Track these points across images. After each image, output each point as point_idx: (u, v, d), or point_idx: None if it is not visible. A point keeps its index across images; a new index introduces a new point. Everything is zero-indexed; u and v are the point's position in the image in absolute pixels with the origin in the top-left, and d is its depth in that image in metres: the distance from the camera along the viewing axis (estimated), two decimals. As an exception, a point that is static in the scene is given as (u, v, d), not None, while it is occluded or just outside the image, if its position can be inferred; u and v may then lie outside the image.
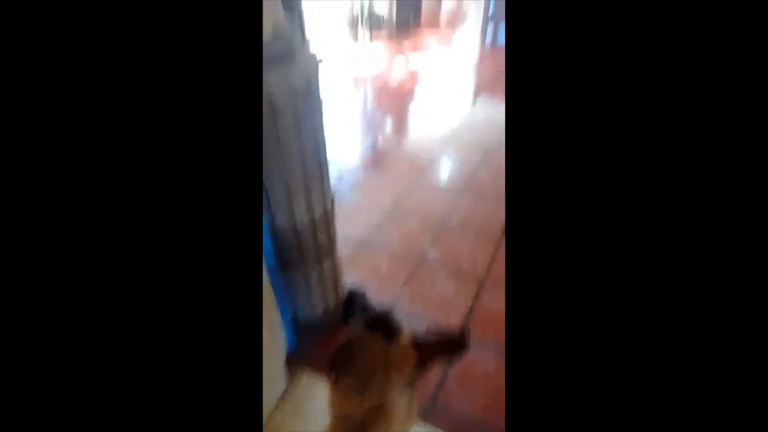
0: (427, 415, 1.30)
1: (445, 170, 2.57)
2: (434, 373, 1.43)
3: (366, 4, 4.55)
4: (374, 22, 4.71)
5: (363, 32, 4.62)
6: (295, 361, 1.11)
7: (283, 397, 1.30)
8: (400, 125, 3.12)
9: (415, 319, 1.63)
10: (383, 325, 0.85)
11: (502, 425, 1.28)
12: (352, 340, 0.79)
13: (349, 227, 2.04)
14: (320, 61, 1.04)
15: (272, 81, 0.94)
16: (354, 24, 4.50)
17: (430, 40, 4.67)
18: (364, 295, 1.26)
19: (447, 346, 0.80)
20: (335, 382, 0.77)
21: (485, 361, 1.47)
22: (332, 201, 1.33)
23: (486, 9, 4.34)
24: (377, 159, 2.65)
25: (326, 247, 1.32)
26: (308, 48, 1.10)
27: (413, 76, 3.81)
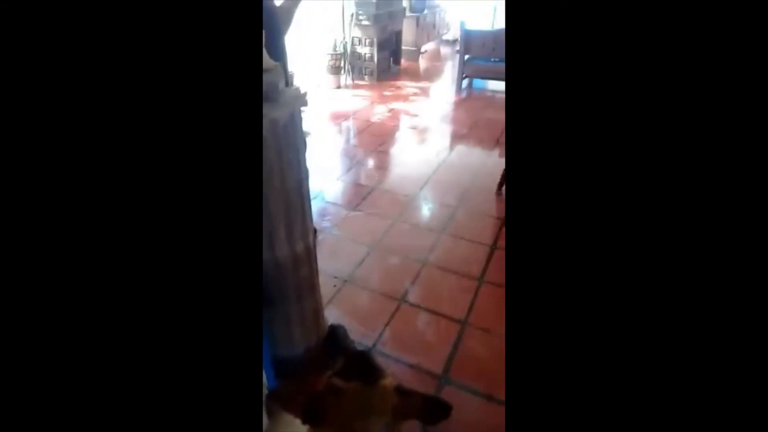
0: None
1: (425, 210, 2.61)
2: (417, 417, 1.37)
3: (348, 50, 4.76)
4: (356, 69, 4.91)
5: (345, 77, 4.80)
6: (275, 401, 1.06)
7: (262, 439, 1.22)
8: (381, 165, 3.17)
9: (397, 360, 1.57)
10: (363, 366, 0.82)
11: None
12: (330, 390, 0.76)
13: (331, 263, 2.01)
14: (304, 94, 1.06)
15: (258, 114, 0.95)
16: (336, 70, 4.68)
17: (409, 89, 4.88)
18: (345, 332, 1.22)
19: (429, 407, 0.79)
20: (315, 427, 0.74)
21: (468, 406, 1.42)
22: (314, 236, 1.32)
23: (461, 60, 4.60)
24: (359, 196, 2.66)
25: (307, 283, 1.28)
26: (292, 84, 1.12)
27: (393, 121, 3.94)
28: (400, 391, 0.77)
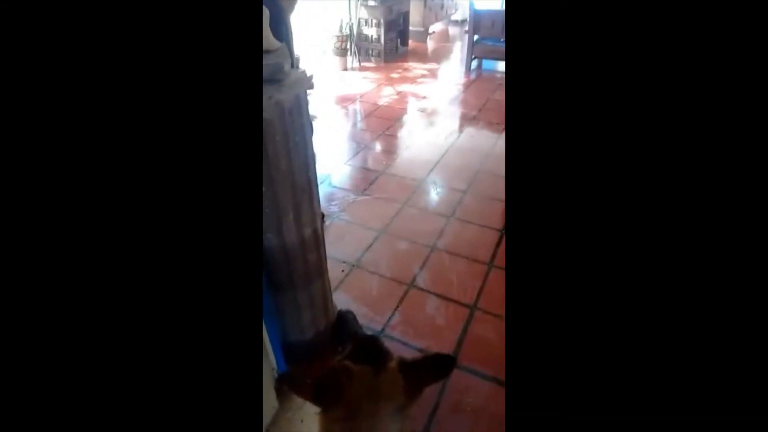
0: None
1: (434, 194, 2.58)
2: (427, 401, 1.37)
3: (354, 31, 4.67)
4: (363, 51, 4.83)
5: (352, 59, 4.73)
6: (285, 385, 1.06)
7: (274, 420, 1.23)
8: (389, 149, 3.14)
9: (406, 344, 1.58)
10: (371, 351, 0.82)
11: (498, 455, 1.22)
12: (339, 373, 0.76)
13: (339, 248, 2.01)
14: (311, 77, 1.04)
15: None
16: (342, 52, 4.60)
17: (417, 70, 4.79)
18: (353, 317, 1.22)
19: (434, 367, 0.78)
20: (324, 412, 0.74)
21: (478, 388, 1.43)
22: (322, 221, 1.30)
23: (470, 41, 4.50)
24: (366, 180, 2.64)
25: (316, 268, 1.28)
26: (297, 66, 1.10)
27: (401, 103, 3.88)
28: (403, 366, 0.77)
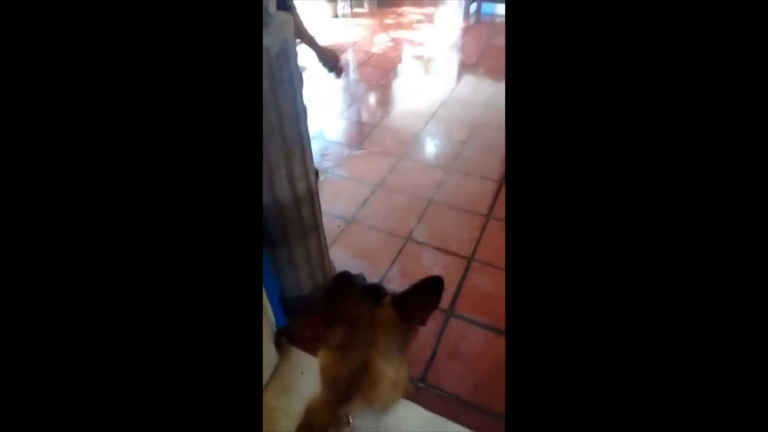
0: (416, 392, 1.28)
1: (431, 147, 2.52)
2: (425, 347, 1.41)
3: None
4: (354, -4, 4.55)
5: (343, 5, 4.47)
6: (284, 339, 1.08)
7: (274, 373, 1.27)
8: (384, 100, 3.04)
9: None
10: (373, 291, 0.86)
11: (491, 403, 1.27)
12: (344, 291, 0.80)
13: (335, 204, 1.99)
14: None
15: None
16: (333, -3, 4.34)
17: (412, 15, 4.54)
18: (362, 277, 1.22)
19: (422, 293, 0.80)
20: (324, 344, 0.77)
21: (474, 338, 1.46)
22: (316, 175, 1.27)
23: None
24: (361, 134, 2.57)
25: (311, 224, 1.26)
26: (286, 7, 1.02)
27: (396, 51, 3.71)
28: (394, 299, 0.80)
